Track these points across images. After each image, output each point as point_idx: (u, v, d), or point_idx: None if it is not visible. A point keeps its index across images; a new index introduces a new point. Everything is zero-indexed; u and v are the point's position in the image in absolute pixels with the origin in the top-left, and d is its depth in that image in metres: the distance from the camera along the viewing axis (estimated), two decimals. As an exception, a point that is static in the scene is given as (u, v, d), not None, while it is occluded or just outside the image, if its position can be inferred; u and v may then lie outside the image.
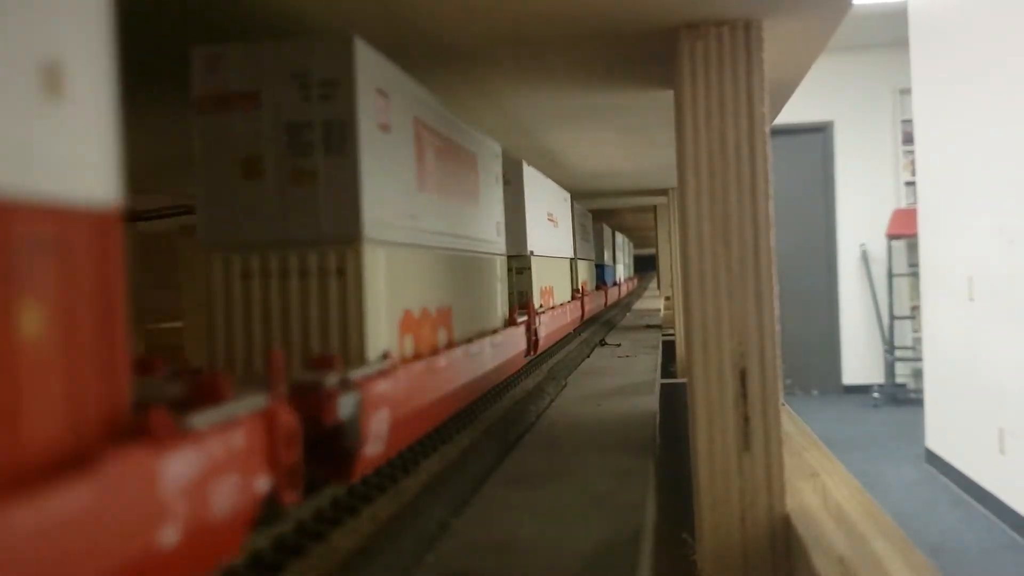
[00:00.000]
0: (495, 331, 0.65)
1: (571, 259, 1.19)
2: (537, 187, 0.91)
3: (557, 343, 1.12)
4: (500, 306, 0.70)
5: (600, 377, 1.00)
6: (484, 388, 0.62)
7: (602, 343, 1.36)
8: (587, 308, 1.26)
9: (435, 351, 0.49)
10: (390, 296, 0.43)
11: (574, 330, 1.27)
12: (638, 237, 3.04)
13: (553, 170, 1.11)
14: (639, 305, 2.44)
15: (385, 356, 0.41)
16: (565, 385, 0.92)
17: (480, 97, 0.65)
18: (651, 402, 0.81)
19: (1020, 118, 2.46)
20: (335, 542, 0.38)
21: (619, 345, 1.34)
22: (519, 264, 0.83)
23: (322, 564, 0.36)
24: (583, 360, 1.16)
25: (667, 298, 1.99)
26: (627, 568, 0.38)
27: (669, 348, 1.48)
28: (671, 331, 1.63)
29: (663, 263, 2.04)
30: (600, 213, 1.96)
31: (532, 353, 0.79)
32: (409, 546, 0.39)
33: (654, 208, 2.06)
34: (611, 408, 0.79)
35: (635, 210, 2.09)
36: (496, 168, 0.71)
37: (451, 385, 0.50)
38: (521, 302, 0.81)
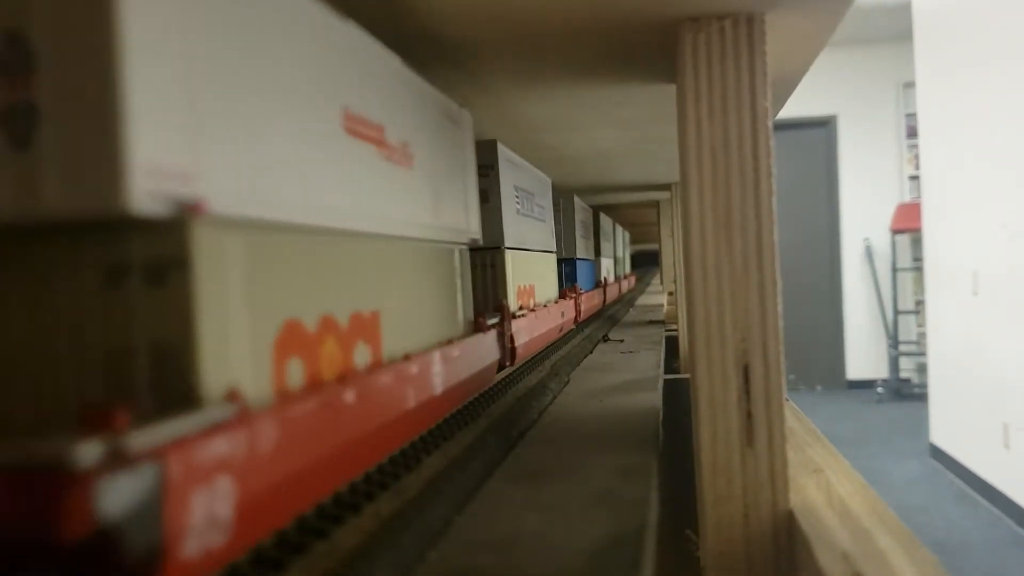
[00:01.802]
0: None
1: (499, 248, 0.73)
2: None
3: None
4: None
5: (603, 373, 1.00)
6: None
7: (605, 339, 1.36)
8: (520, 341, 0.71)
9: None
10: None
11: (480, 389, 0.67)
12: (640, 232, 3.04)
13: (554, 166, 1.11)
14: (642, 301, 2.44)
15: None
16: (568, 381, 0.92)
17: (480, 93, 0.65)
18: (654, 398, 0.81)
19: (1024, 112, 2.45)
20: (338, 539, 0.38)
21: (622, 341, 1.34)
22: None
23: (325, 561, 0.36)
24: (586, 356, 1.15)
25: (670, 293, 1.99)
26: (630, 564, 0.38)
27: (672, 344, 1.47)
28: (674, 327, 1.63)
29: (666, 259, 2.04)
30: (601, 209, 1.96)
31: None
32: (412, 543, 0.39)
33: (656, 203, 2.06)
34: (614, 404, 0.79)
35: (636, 205, 2.08)
36: None
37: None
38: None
